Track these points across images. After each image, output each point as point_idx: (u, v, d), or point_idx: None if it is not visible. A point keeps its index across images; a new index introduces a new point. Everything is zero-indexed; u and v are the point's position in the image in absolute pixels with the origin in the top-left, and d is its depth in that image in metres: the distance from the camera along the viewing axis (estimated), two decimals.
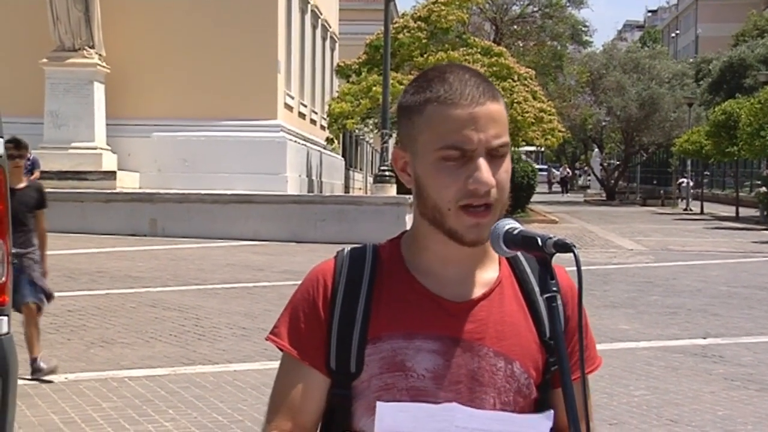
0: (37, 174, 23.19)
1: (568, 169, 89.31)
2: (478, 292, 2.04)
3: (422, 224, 2.02)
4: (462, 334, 2.00)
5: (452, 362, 1.98)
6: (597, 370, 2.13)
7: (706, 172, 58.87)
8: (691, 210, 46.83)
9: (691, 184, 52.67)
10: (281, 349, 2.06)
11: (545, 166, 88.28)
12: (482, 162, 1.92)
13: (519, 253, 2.01)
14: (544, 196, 62.13)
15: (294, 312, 2.06)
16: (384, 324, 2.00)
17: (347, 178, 44.66)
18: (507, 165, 1.97)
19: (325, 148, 36.37)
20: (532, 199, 42.08)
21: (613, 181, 66.19)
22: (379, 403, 1.74)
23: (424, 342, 1.98)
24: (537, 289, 2.07)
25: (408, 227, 2.12)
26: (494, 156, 1.94)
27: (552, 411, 1.79)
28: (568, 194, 74.37)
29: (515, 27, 52.44)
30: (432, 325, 1.99)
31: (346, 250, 2.10)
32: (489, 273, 2.06)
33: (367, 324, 2.00)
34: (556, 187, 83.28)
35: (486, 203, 1.93)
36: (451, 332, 2.00)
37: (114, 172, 26.01)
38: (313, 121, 36.24)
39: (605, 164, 71.93)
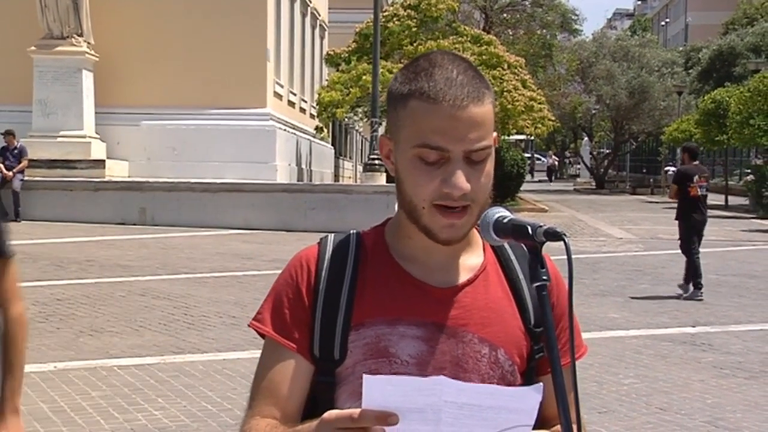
0: (25, 162, 23.15)
1: (554, 158, 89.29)
2: (462, 278, 2.03)
3: (403, 214, 2.02)
4: (446, 320, 1.99)
5: (436, 348, 1.98)
6: (582, 357, 2.13)
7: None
8: None
9: None
10: (264, 335, 2.05)
11: (529, 155, 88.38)
12: (458, 166, 1.90)
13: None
14: (533, 185, 62.14)
15: (277, 298, 2.05)
16: (367, 310, 1.99)
17: (337, 166, 44.63)
18: (488, 168, 1.95)
19: (314, 137, 36.33)
20: (521, 188, 42.09)
21: (602, 170, 66.25)
22: (365, 376, 1.73)
23: (407, 328, 1.98)
24: (522, 275, 2.07)
25: None
26: (473, 160, 1.92)
27: (541, 384, 1.78)
28: (554, 183, 74.29)
29: (505, 15, 52.39)
30: (416, 311, 1.99)
31: (329, 237, 2.09)
32: (473, 259, 2.06)
33: (351, 310, 1.99)
34: (542, 176, 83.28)
35: (462, 205, 1.93)
36: (435, 318, 1.99)
37: (103, 161, 25.96)
38: (302, 110, 36.20)
39: (595, 153, 71.98)
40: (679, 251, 14.78)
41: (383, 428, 1.72)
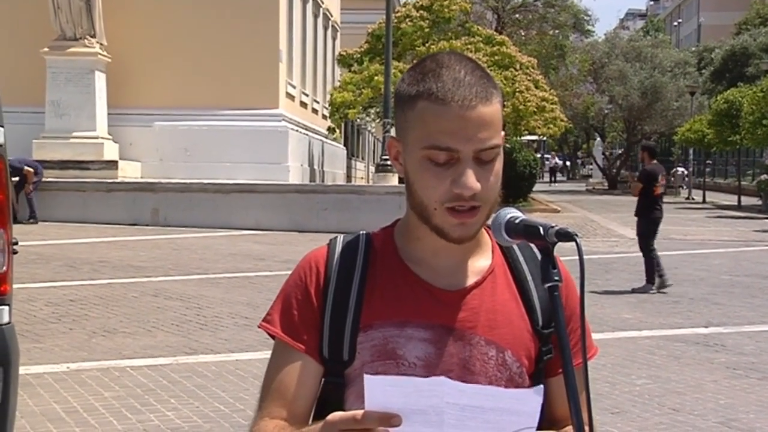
0: (29, 175, 22.64)
1: (557, 159, 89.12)
2: (470, 280, 2.03)
3: (412, 215, 2.02)
4: (454, 323, 2.00)
5: (444, 351, 1.98)
6: (593, 358, 2.12)
7: (708, 161, 58.86)
8: (693, 199, 46.83)
9: (686, 172, 52.91)
10: (274, 337, 2.05)
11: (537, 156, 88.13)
12: (468, 166, 1.90)
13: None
14: (540, 185, 61.99)
15: (287, 299, 2.06)
16: (376, 312, 1.99)
17: (349, 167, 44.64)
18: (497, 167, 1.95)
19: (326, 138, 36.34)
20: (534, 188, 42.03)
21: (615, 170, 66.15)
22: (366, 376, 1.73)
23: (415, 330, 1.98)
24: (530, 277, 2.07)
25: None
26: (483, 160, 1.92)
27: (542, 386, 1.78)
28: (556, 184, 73.87)
29: (517, 16, 52.38)
30: (424, 313, 1.99)
31: (339, 238, 2.10)
32: (481, 262, 2.06)
33: (360, 312, 2.00)
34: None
35: (472, 205, 1.93)
36: (443, 321, 1.99)
37: (116, 162, 26.02)
38: (314, 111, 36.22)
39: (607, 153, 71.90)
40: (690, 252, 14.85)
41: (386, 429, 1.72)
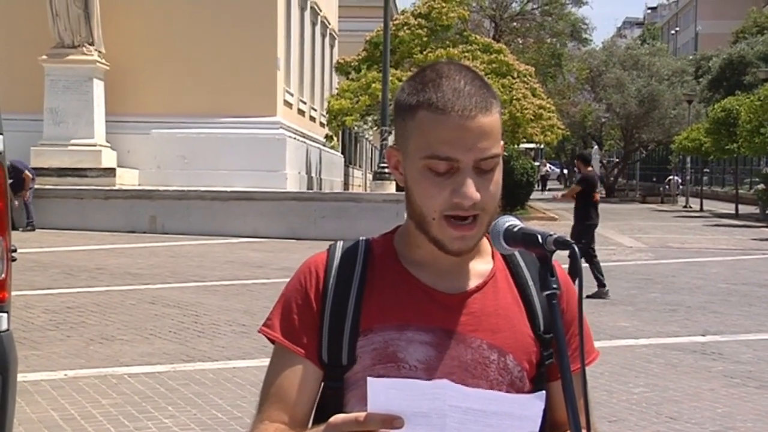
0: (27, 180, 22.65)
1: (549, 166, 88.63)
2: (471, 284, 2.04)
3: (412, 224, 2.03)
4: (455, 326, 2.00)
5: (445, 354, 1.98)
6: (594, 362, 2.13)
7: (705, 170, 58.90)
8: (690, 207, 46.83)
9: (680, 181, 53.03)
10: (273, 341, 2.06)
11: (535, 164, 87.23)
12: (468, 176, 1.91)
13: None
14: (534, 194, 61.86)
15: (286, 304, 2.07)
16: (376, 315, 2.00)
17: (346, 175, 44.63)
18: (497, 176, 1.96)
19: (324, 145, 36.34)
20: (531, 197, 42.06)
21: (612, 179, 66.16)
22: (369, 379, 1.74)
23: (416, 333, 1.99)
24: (531, 282, 2.07)
25: None
26: (482, 169, 1.93)
27: (544, 392, 1.79)
28: (546, 192, 73.18)
29: (515, 24, 52.51)
30: (424, 316, 2.00)
31: (338, 244, 2.11)
32: (483, 265, 2.07)
33: (359, 316, 2.00)
34: (552, 185, 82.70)
35: (472, 215, 1.93)
36: (443, 324, 2.00)
37: (113, 169, 26.02)
38: (312, 118, 36.22)
39: (605, 161, 71.91)
40: (688, 260, 14.84)
41: None
